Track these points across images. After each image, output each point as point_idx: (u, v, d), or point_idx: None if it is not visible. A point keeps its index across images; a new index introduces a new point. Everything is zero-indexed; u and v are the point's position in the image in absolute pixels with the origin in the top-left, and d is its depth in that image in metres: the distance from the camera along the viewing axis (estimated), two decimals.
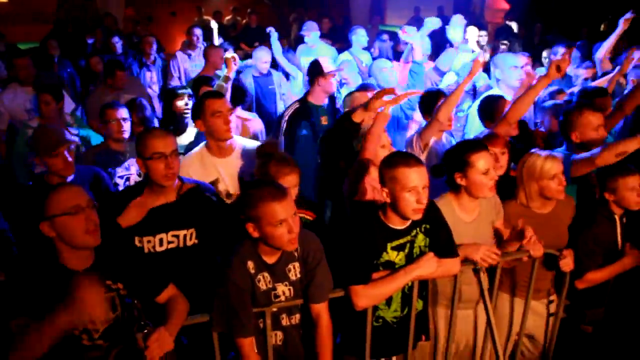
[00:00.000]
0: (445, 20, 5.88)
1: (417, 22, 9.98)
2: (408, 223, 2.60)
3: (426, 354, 3.04)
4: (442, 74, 4.96)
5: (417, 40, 4.72)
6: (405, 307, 2.73)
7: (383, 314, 2.71)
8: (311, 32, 6.88)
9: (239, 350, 2.39)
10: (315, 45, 6.90)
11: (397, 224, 2.59)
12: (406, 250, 2.61)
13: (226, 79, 4.33)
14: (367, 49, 7.15)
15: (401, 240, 2.60)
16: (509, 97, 4.18)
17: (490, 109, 3.94)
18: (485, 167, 2.77)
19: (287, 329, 2.55)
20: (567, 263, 2.97)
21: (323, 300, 2.49)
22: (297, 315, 2.56)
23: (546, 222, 3.07)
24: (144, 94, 5.60)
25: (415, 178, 2.45)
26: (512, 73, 4.46)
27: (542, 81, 3.42)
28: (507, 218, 3.07)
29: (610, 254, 3.19)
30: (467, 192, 2.86)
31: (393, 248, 2.58)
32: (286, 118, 4.33)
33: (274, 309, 2.47)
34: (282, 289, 2.46)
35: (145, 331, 2.13)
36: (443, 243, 2.67)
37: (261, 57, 5.74)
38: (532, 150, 3.15)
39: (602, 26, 9.42)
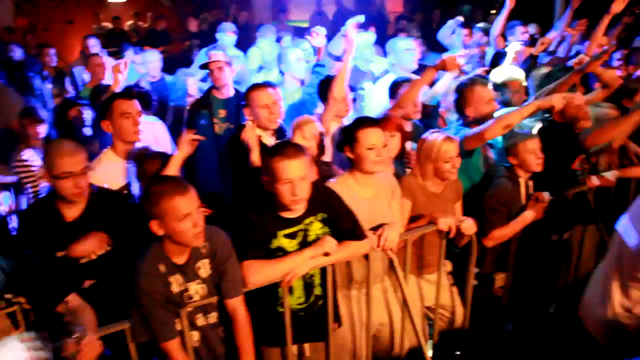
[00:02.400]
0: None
1: (320, 17, 10.14)
2: (299, 213, 2.62)
3: (346, 340, 3.07)
4: (336, 58, 5.05)
5: (323, 42, 4.76)
6: (310, 295, 2.76)
7: (288, 302, 2.69)
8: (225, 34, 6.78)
9: (168, 355, 2.36)
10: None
11: (287, 213, 2.61)
12: (299, 239, 2.63)
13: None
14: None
15: (293, 229, 2.62)
16: None
17: (394, 91, 4.06)
18: (371, 142, 2.85)
19: (204, 329, 2.52)
20: (468, 226, 3.08)
21: (237, 294, 2.49)
22: (214, 314, 2.54)
23: (437, 200, 3.20)
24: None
25: (290, 170, 2.48)
26: (406, 56, 4.61)
27: (431, 70, 3.57)
28: (403, 191, 3.16)
29: (517, 216, 3.37)
30: (357, 167, 2.94)
31: (286, 236, 2.61)
32: (187, 108, 4.50)
33: (189, 309, 2.44)
34: (195, 288, 2.44)
35: (76, 335, 2.06)
36: (346, 228, 2.72)
37: (149, 60, 5.62)
38: (431, 131, 3.28)
39: (494, 10, 9.86)
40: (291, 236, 2.63)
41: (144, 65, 5.68)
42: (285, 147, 2.57)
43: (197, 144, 3.11)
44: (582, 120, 3.59)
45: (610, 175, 3.75)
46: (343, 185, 2.94)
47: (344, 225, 2.72)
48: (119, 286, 2.44)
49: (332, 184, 2.95)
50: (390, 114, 3.52)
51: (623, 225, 2.66)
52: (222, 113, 4.35)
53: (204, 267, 2.46)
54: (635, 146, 3.99)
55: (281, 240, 2.61)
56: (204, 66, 4.54)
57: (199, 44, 8.14)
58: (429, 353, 3.03)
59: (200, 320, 2.51)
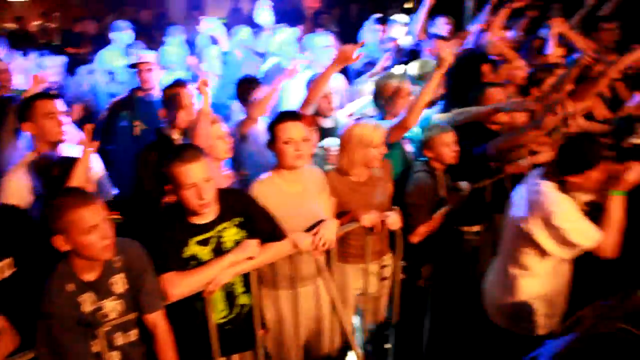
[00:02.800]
0: None
1: (237, 13, 9.96)
2: (210, 218, 2.55)
3: (276, 342, 3.04)
4: (261, 55, 5.02)
5: (219, 30, 4.65)
6: (233, 306, 2.68)
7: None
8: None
9: None
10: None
11: (197, 218, 2.53)
12: (212, 245, 2.55)
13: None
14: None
15: (205, 235, 2.54)
16: None
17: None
18: (288, 136, 2.82)
19: (124, 348, 2.38)
20: (393, 221, 3.09)
21: (157, 308, 2.37)
22: (134, 331, 2.41)
23: (363, 189, 3.18)
24: None
25: (193, 174, 2.40)
26: (324, 52, 4.59)
27: (334, 66, 3.57)
28: (330, 189, 3.14)
29: (437, 208, 3.43)
30: (280, 163, 2.90)
31: (198, 243, 2.52)
32: (107, 107, 4.33)
33: (106, 329, 2.29)
34: (111, 305, 2.30)
35: None
36: (265, 230, 2.67)
37: (48, 66, 5.21)
38: (355, 119, 3.30)
39: (410, 3, 10.03)
40: (203, 243, 2.54)
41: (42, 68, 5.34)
42: (183, 150, 2.46)
43: (97, 144, 2.93)
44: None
45: (524, 162, 3.87)
46: (269, 183, 2.90)
47: (263, 227, 2.66)
48: (25, 311, 2.27)
49: (258, 182, 2.90)
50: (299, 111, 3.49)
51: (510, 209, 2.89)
52: (146, 115, 4.19)
53: (119, 282, 2.32)
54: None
55: (193, 248, 2.51)
56: (133, 66, 4.37)
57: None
58: (359, 350, 3.01)
59: (119, 340, 2.37)
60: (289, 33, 5.44)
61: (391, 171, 3.41)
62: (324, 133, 3.82)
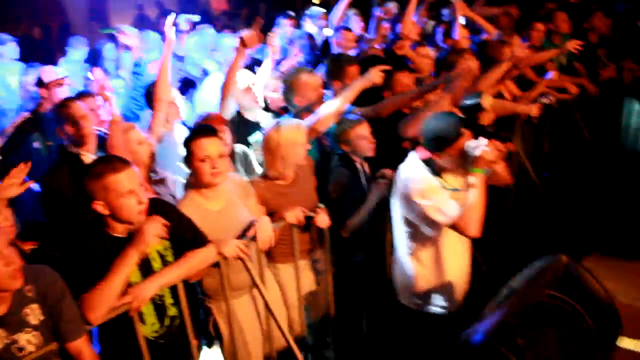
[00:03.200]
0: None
1: (142, 20, 9.67)
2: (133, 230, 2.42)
3: (232, 351, 2.96)
4: (179, 58, 5.00)
5: (136, 42, 4.46)
6: (163, 318, 2.57)
7: (142, 332, 2.49)
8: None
9: None
10: None
11: (122, 232, 2.41)
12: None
13: None
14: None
15: None
16: None
17: None
18: (203, 154, 2.74)
19: None
20: (322, 220, 3.08)
21: (79, 335, 2.22)
22: None
23: (291, 191, 3.15)
24: None
25: (127, 181, 2.31)
26: (233, 54, 4.46)
27: (239, 58, 3.54)
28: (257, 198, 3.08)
29: (361, 200, 3.37)
30: (198, 182, 2.81)
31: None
32: (11, 126, 4.02)
33: None
34: (26, 338, 2.11)
35: None
36: (188, 238, 2.58)
37: None
38: (270, 125, 3.22)
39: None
40: None
41: None
42: (110, 161, 2.35)
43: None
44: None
45: None
46: (190, 203, 2.81)
47: (186, 235, 2.56)
48: None
49: (179, 204, 2.80)
50: (211, 113, 3.43)
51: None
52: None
53: (34, 313, 2.14)
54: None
55: None
56: (39, 83, 4.06)
57: None
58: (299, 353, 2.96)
59: None
60: (193, 40, 5.34)
61: (313, 167, 3.37)
62: (250, 127, 3.78)
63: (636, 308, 3.07)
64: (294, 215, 2.97)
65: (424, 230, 2.74)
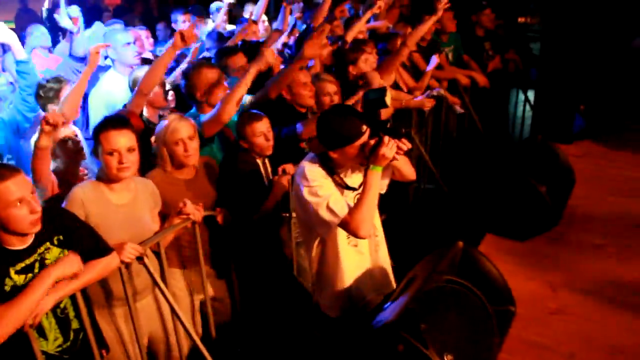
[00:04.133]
0: None
1: (27, 14, 9.04)
2: (29, 241, 2.27)
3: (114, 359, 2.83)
4: (80, 60, 4.79)
5: (13, 39, 4.15)
6: (68, 332, 2.43)
7: (44, 348, 2.34)
8: None
9: None
10: None
11: (17, 244, 2.24)
12: (35, 270, 2.26)
13: None
14: None
15: (27, 261, 2.25)
16: (125, 76, 4.08)
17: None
18: (111, 147, 2.63)
19: None
20: (225, 219, 3.06)
21: None
22: None
23: (193, 186, 3.07)
24: None
25: (16, 189, 2.14)
26: (126, 51, 4.33)
27: (170, 51, 3.40)
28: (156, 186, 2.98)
29: (264, 197, 3.30)
30: (105, 175, 2.70)
31: (18, 272, 2.22)
32: None
33: None
34: None
35: None
36: (88, 245, 2.43)
37: None
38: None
39: None
40: (26, 270, 2.23)
41: None
42: None
43: None
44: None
45: None
46: (91, 189, 2.67)
47: (86, 244, 2.42)
48: None
49: (80, 187, 2.66)
50: (127, 108, 3.32)
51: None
52: None
53: None
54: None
55: (15, 278, 2.20)
56: None
57: None
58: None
59: None
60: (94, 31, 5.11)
61: (216, 170, 3.29)
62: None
63: (530, 286, 3.30)
64: (197, 214, 2.89)
65: (317, 230, 2.63)
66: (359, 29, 4.94)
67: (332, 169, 2.59)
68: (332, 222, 2.50)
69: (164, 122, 3.01)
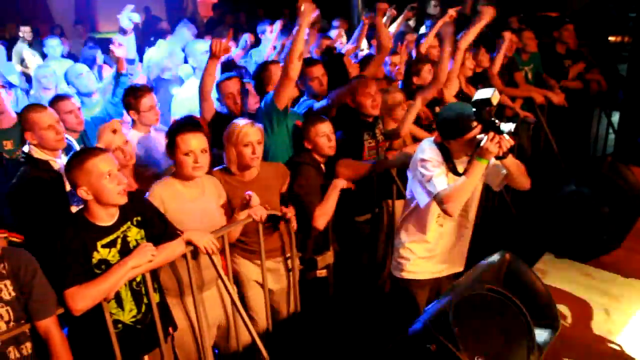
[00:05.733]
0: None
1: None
2: (115, 218, 2.59)
3: (183, 342, 3.08)
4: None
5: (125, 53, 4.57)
6: (141, 305, 2.72)
7: (120, 318, 2.65)
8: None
9: None
10: None
11: (104, 220, 2.56)
12: (118, 247, 2.58)
13: None
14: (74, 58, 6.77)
15: (111, 237, 2.57)
16: None
17: None
18: (188, 148, 2.90)
19: None
20: (293, 226, 3.28)
21: (49, 314, 2.36)
22: (28, 344, 2.38)
23: (252, 188, 3.21)
24: None
25: (104, 164, 2.49)
26: (205, 58, 4.59)
27: (212, 61, 3.72)
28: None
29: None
30: (180, 174, 2.97)
31: (104, 246, 2.54)
32: None
33: None
34: None
35: None
36: (159, 229, 2.73)
37: None
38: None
39: None
40: (110, 245, 2.56)
41: None
42: (88, 149, 2.65)
43: None
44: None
45: (407, 148, 4.11)
46: (168, 187, 2.96)
47: (158, 225, 2.73)
48: None
49: (158, 184, 2.95)
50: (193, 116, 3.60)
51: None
52: (8, 145, 3.82)
53: (6, 289, 2.28)
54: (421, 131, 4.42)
55: (102, 252, 2.53)
56: None
57: None
58: (263, 349, 3.10)
59: (12, 354, 2.33)
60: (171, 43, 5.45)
61: (281, 173, 3.44)
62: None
63: (583, 305, 3.26)
64: (258, 212, 3.08)
65: (417, 198, 2.94)
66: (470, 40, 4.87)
67: (447, 155, 2.90)
68: (429, 194, 2.82)
69: (236, 126, 3.21)
